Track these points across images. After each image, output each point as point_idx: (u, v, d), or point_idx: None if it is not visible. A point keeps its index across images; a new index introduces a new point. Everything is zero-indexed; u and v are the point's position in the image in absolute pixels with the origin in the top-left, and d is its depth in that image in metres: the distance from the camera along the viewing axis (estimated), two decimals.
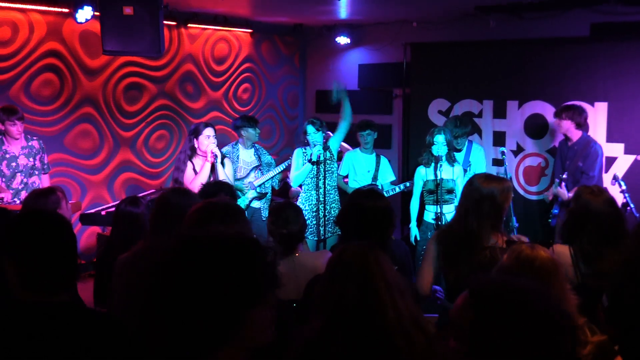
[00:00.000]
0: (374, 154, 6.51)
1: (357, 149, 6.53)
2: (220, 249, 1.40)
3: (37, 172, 5.72)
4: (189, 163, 5.23)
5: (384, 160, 6.51)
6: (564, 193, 5.62)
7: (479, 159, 6.31)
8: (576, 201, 3.34)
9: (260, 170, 6.34)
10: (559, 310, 1.47)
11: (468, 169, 6.17)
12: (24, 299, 1.94)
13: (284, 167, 6.32)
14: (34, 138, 5.78)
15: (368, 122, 6.46)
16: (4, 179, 5.55)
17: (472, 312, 1.50)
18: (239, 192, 5.65)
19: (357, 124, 6.37)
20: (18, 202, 5.30)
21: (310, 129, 5.75)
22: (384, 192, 6.22)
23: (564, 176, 5.62)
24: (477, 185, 3.19)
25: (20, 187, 5.59)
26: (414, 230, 5.93)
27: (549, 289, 1.56)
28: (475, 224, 3.11)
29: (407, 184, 6.22)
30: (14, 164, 5.57)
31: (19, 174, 5.60)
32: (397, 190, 6.31)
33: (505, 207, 3.19)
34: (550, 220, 5.98)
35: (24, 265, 1.96)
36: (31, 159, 5.66)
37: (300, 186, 5.96)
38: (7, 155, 5.56)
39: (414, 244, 5.90)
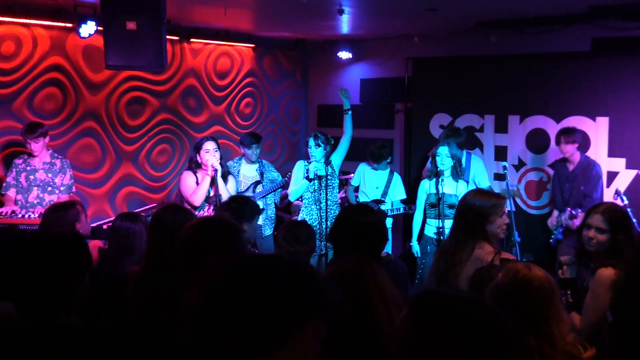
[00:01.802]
0: (388, 170, 6.46)
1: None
2: (279, 268, 1.42)
3: (57, 191, 5.71)
4: (192, 176, 5.25)
5: (396, 177, 6.46)
6: (573, 225, 5.63)
7: (479, 170, 6.30)
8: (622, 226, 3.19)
9: (262, 185, 6.37)
10: (501, 321, 1.41)
11: (468, 180, 6.17)
12: (22, 321, 1.94)
13: (281, 184, 6.38)
14: (59, 157, 5.80)
15: (381, 152, 6.32)
16: (21, 191, 5.59)
17: (408, 322, 1.43)
18: None
19: (371, 154, 6.33)
20: (30, 215, 5.28)
21: (310, 142, 5.74)
22: (395, 209, 6.23)
23: (578, 213, 5.59)
24: (464, 197, 3.44)
25: (35, 202, 5.60)
26: (415, 247, 5.91)
27: (488, 301, 1.50)
28: (458, 233, 3.31)
29: (410, 207, 6.20)
30: (32, 177, 5.61)
31: (36, 187, 5.63)
32: (401, 210, 6.30)
33: (492, 220, 3.29)
34: (551, 241, 5.99)
35: (21, 288, 1.96)
36: (50, 175, 5.67)
37: (302, 200, 5.97)
38: (29, 168, 5.63)
39: (417, 255, 5.89)
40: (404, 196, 6.50)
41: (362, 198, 6.47)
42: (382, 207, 6.25)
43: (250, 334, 1.34)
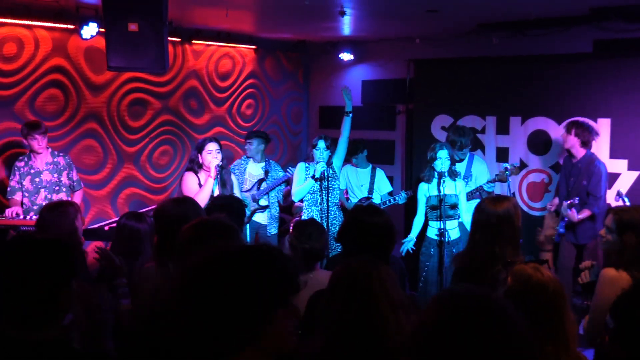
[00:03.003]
0: (369, 167, 6.57)
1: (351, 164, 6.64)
2: (245, 254, 1.51)
3: (64, 189, 5.71)
4: (194, 177, 5.20)
5: (379, 172, 6.56)
6: (574, 216, 5.59)
7: (481, 171, 6.29)
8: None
9: (266, 183, 6.41)
10: (516, 321, 1.38)
11: (469, 180, 6.16)
12: (7, 332, 1.84)
13: (283, 179, 6.40)
14: (61, 154, 5.81)
15: (356, 145, 6.50)
16: (27, 194, 5.55)
17: (433, 320, 1.39)
18: None
19: (347, 151, 6.42)
20: (32, 217, 5.29)
21: (320, 143, 5.78)
22: (381, 203, 6.25)
23: (576, 201, 5.58)
24: (490, 210, 3.20)
25: (44, 204, 5.55)
26: (410, 242, 5.80)
27: (506, 300, 1.48)
28: (498, 249, 3.11)
29: (409, 192, 6.22)
30: (37, 179, 5.58)
31: (43, 189, 5.61)
32: (397, 200, 6.29)
33: (519, 226, 3.19)
34: (553, 238, 5.96)
35: (5, 296, 1.86)
36: (56, 175, 5.67)
37: (302, 202, 5.98)
38: (32, 171, 5.59)
39: (400, 255, 5.81)
40: (390, 188, 6.60)
41: (352, 198, 6.56)
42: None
43: (230, 327, 1.41)
